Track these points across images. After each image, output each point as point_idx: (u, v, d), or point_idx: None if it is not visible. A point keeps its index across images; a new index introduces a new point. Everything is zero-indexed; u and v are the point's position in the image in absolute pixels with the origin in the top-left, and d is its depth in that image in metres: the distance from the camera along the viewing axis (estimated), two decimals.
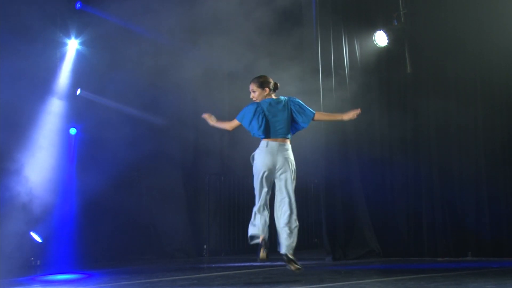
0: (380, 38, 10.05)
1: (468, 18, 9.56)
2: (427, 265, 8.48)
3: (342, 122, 8.14)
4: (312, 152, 10.18)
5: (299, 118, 6.87)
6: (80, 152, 9.97)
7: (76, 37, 9.91)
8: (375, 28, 10.11)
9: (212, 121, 7.01)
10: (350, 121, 9.84)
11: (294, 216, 6.72)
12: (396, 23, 9.94)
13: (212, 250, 11.35)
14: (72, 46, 9.92)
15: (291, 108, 6.86)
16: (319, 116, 6.97)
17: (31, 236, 9.17)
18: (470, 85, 9.55)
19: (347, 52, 10.09)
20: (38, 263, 9.28)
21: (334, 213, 9.81)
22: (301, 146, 9.99)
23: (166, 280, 7.39)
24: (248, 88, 6.92)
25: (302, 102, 6.93)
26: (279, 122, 6.81)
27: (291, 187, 6.77)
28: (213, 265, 9.47)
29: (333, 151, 9.89)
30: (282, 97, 6.94)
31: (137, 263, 9.96)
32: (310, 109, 6.90)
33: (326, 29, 9.95)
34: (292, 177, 6.79)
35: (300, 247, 12.18)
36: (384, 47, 10.09)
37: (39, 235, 9.24)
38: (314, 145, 9.96)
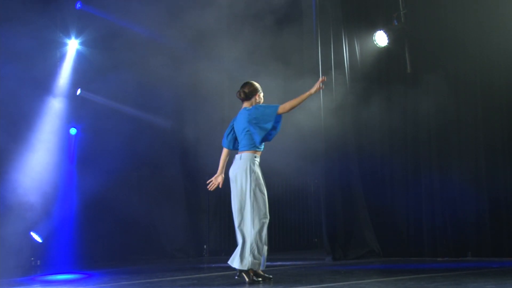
0: (380, 38, 10.04)
1: (468, 18, 9.55)
2: (427, 265, 8.48)
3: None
4: (312, 152, 10.18)
5: (254, 132, 6.67)
6: (80, 152, 9.97)
7: (76, 37, 9.91)
8: (375, 28, 10.10)
9: (219, 175, 7.00)
10: (350, 120, 10.00)
11: (247, 246, 6.55)
12: (396, 23, 9.94)
13: (212, 250, 11.34)
14: (72, 46, 9.92)
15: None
16: (285, 106, 6.59)
17: (31, 236, 9.16)
18: (470, 85, 9.54)
19: (347, 52, 10.09)
20: (38, 263, 9.27)
21: (334, 213, 9.80)
22: (301, 146, 10.03)
23: (166, 280, 7.38)
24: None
25: (261, 110, 6.66)
26: (239, 133, 6.80)
27: (245, 207, 6.60)
28: (213, 265, 9.46)
29: (333, 151, 9.88)
30: (249, 107, 6.80)
31: (137, 263, 9.96)
32: (271, 112, 6.60)
33: (326, 29, 9.95)
34: (248, 195, 6.58)
35: (300, 247, 12.36)
36: (384, 47, 10.08)
37: (39, 235, 9.23)
38: (314, 145, 9.95)
